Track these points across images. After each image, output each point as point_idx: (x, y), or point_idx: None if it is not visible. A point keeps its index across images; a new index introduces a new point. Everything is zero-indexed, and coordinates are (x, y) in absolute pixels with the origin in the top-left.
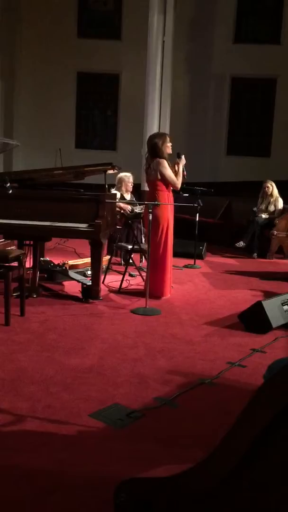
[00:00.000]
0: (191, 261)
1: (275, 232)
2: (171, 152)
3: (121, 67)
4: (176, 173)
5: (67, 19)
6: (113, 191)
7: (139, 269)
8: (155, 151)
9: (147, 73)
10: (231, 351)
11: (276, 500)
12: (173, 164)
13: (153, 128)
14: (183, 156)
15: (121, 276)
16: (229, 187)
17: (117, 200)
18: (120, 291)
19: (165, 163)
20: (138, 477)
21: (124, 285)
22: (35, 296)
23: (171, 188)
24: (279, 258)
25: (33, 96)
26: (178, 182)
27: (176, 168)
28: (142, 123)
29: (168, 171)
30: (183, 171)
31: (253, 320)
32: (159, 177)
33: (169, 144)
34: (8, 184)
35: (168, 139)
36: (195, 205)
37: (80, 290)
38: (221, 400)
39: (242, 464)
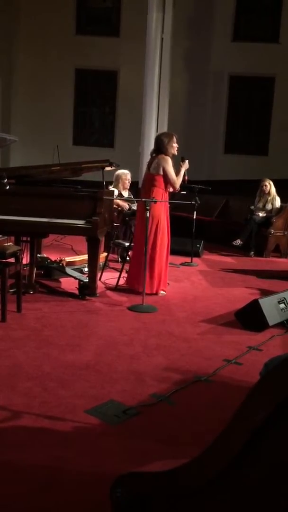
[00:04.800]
0: (188, 259)
1: (272, 230)
2: (176, 154)
3: (119, 64)
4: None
5: (66, 15)
6: (111, 188)
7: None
8: (160, 148)
9: (146, 70)
10: (228, 348)
11: (275, 493)
12: (177, 168)
13: (151, 125)
14: (187, 161)
15: (118, 273)
16: (226, 185)
17: (114, 197)
18: (116, 288)
19: (169, 160)
20: (135, 472)
21: (121, 282)
22: (31, 292)
23: (169, 188)
24: (276, 257)
25: (31, 92)
26: (178, 182)
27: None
28: (140, 120)
29: (171, 169)
30: (184, 174)
31: (250, 318)
32: (160, 172)
33: (175, 145)
34: (5, 180)
35: (175, 139)
36: (193, 203)
37: (77, 287)
38: (217, 397)
39: (241, 457)
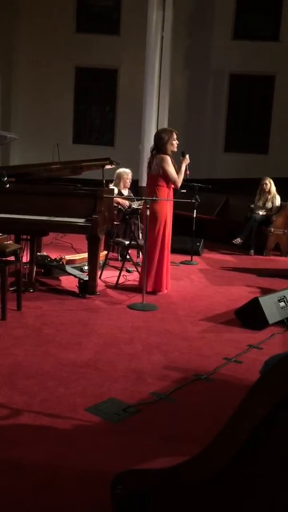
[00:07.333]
0: (188, 258)
1: (272, 229)
2: (175, 150)
3: (119, 62)
4: (178, 171)
5: (66, 13)
6: (111, 186)
7: (136, 264)
8: (159, 146)
9: (146, 68)
10: (228, 347)
11: (275, 489)
12: (177, 164)
13: (151, 123)
14: (187, 156)
15: (118, 272)
16: (227, 183)
17: (114, 195)
18: (117, 286)
19: (168, 160)
20: (135, 469)
21: (121, 280)
22: (31, 290)
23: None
24: (276, 255)
25: (31, 90)
26: (179, 181)
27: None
28: (140, 118)
29: (171, 168)
30: (186, 170)
31: (250, 316)
32: (161, 172)
33: (175, 142)
34: (5, 178)
35: (174, 136)
36: (193, 201)
37: (77, 285)
38: (217, 395)
39: (241, 454)
